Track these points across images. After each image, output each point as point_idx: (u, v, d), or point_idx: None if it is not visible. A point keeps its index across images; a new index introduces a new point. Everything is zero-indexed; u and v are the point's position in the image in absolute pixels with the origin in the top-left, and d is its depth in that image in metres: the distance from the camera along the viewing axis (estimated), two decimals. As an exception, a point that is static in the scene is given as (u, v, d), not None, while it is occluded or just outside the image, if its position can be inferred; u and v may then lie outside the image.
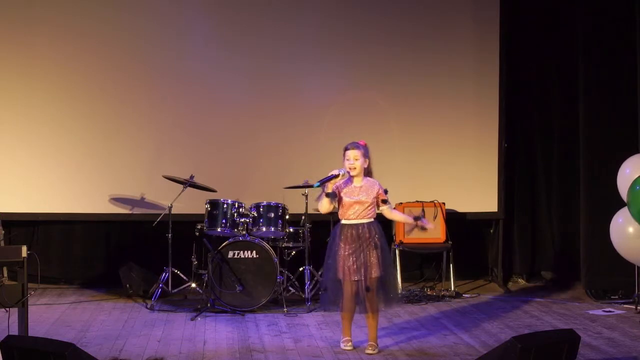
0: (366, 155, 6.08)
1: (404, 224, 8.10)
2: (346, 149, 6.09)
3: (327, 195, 5.97)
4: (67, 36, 8.38)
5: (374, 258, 6.00)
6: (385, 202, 6.11)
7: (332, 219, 7.52)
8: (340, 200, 6.06)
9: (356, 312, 6.17)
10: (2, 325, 5.98)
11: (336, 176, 5.98)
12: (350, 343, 6.16)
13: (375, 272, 6.00)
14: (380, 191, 6.09)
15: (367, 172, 6.12)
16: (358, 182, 6.07)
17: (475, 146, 8.90)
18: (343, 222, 6.09)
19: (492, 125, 8.89)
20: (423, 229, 6.23)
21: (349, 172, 6.04)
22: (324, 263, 6.32)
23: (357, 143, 6.09)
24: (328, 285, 6.17)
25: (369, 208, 6.05)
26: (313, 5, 8.73)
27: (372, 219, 6.08)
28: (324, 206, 6.01)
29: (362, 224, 6.03)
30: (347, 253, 6.00)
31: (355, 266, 5.98)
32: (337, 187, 6.04)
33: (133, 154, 8.49)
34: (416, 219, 6.25)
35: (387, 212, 6.18)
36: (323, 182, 5.97)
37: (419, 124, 8.85)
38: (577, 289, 8.51)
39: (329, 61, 8.70)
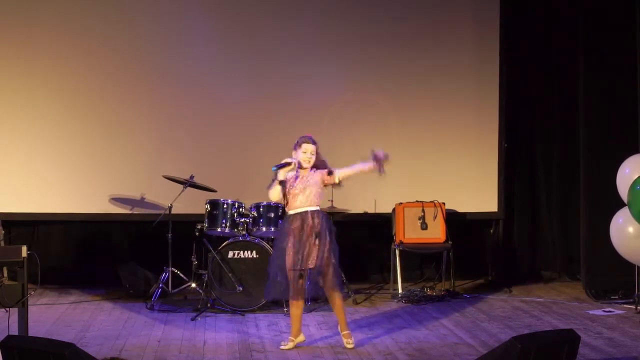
0: (318, 149, 6.20)
1: (403, 224, 8.25)
2: (303, 142, 6.18)
3: (280, 183, 6.08)
4: (67, 36, 8.38)
5: (316, 246, 6.06)
6: (331, 173, 6.17)
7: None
8: (287, 193, 6.14)
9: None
10: (2, 325, 5.98)
11: (289, 164, 6.08)
12: (292, 344, 6.20)
13: (316, 261, 6.06)
14: (323, 172, 6.17)
15: (314, 166, 6.22)
16: (304, 172, 6.17)
17: (475, 146, 8.90)
18: (289, 212, 6.18)
19: (492, 125, 8.90)
20: (379, 161, 6.04)
21: (300, 164, 6.13)
22: (272, 253, 6.39)
23: (312, 138, 6.21)
24: (277, 276, 6.21)
25: (314, 196, 6.14)
26: (313, 5, 8.74)
27: (317, 207, 6.16)
28: (275, 194, 6.12)
29: (307, 212, 6.11)
30: (293, 243, 6.09)
31: (305, 255, 6.06)
32: (286, 179, 6.13)
33: (133, 154, 8.49)
34: (377, 163, 6.05)
35: (342, 175, 6.19)
36: (278, 168, 6.07)
37: (419, 124, 8.86)
38: (577, 289, 8.51)
39: (329, 61, 8.70)
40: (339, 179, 6.19)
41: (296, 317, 6.25)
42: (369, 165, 6.08)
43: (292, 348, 6.19)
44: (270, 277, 6.31)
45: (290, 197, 6.13)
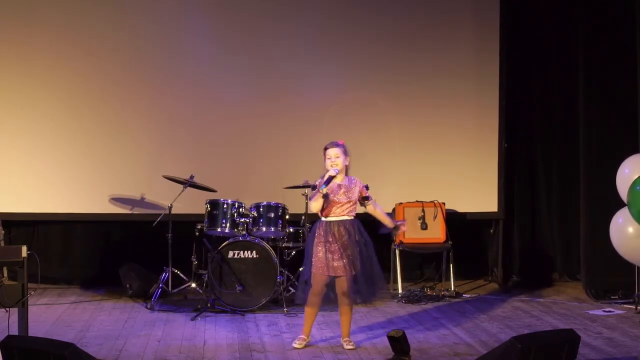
0: (346, 153, 6.18)
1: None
2: (326, 148, 6.19)
3: (325, 196, 6.05)
4: (67, 36, 8.38)
5: (353, 255, 6.08)
6: (367, 198, 6.24)
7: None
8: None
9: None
10: (2, 325, 5.98)
11: (334, 177, 6.08)
12: (304, 343, 6.22)
13: (355, 269, 6.09)
14: (362, 188, 6.20)
15: (346, 171, 6.22)
16: (339, 180, 6.15)
17: (475, 146, 8.90)
18: (324, 219, 6.16)
19: (492, 125, 8.89)
20: (396, 230, 6.49)
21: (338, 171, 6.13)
22: (305, 259, 6.34)
23: (336, 142, 6.20)
24: (309, 280, 6.22)
25: (351, 206, 6.16)
26: (313, 5, 8.74)
27: (353, 217, 6.19)
28: (318, 207, 6.11)
29: (344, 221, 6.13)
30: (328, 250, 6.08)
31: (334, 262, 6.06)
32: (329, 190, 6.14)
33: (133, 154, 8.49)
34: (395, 228, 6.42)
35: (371, 208, 6.29)
36: (327, 184, 6.04)
37: (419, 124, 8.85)
38: (577, 289, 8.52)
39: (329, 61, 8.70)
40: (366, 208, 6.29)
41: (312, 317, 6.26)
42: (391, 222, 6.37)
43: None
44: (302, 281, 6.35)
45: (332, 204, 6.11)
